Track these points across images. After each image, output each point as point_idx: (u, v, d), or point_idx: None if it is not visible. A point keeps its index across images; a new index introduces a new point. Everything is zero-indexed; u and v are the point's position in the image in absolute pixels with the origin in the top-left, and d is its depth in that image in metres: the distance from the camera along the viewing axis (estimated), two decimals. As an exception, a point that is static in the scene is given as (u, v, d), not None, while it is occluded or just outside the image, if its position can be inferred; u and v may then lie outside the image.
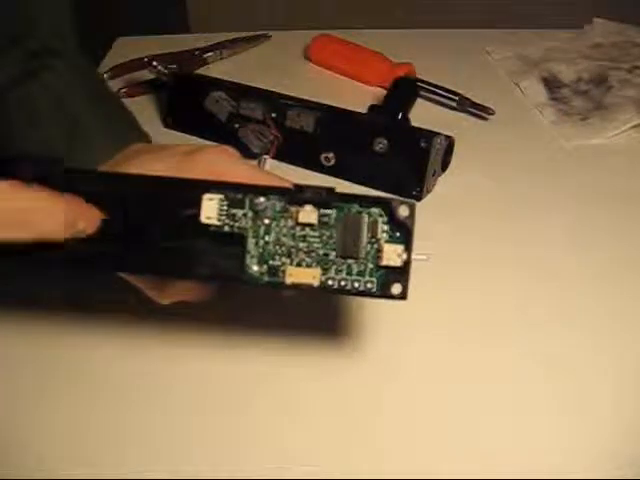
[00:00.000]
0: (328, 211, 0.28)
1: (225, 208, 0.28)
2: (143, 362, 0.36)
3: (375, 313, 0.38)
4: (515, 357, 0.37)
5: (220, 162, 0.31)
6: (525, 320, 0.39)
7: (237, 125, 0.51)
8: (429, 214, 0.44)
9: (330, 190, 0.28)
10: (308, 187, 0.28)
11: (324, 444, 0.33)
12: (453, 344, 0.37)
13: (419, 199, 0.48)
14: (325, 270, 0.28)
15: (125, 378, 0.35)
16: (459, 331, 0.38)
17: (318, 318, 0.38)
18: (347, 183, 0.49)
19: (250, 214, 0.28)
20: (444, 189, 0.49)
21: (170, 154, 0.32)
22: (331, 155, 0.49)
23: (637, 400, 0.35)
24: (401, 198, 0.28)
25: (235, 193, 0.28)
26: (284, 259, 0.28)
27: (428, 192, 0.48)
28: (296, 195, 0.28)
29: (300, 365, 0.36)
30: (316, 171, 0.50)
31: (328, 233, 0.28)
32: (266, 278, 0.28)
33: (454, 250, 0.43)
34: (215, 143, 0.51)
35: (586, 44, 0.69)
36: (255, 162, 0.50)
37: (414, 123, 0.51)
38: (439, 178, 0.49)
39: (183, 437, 0.33)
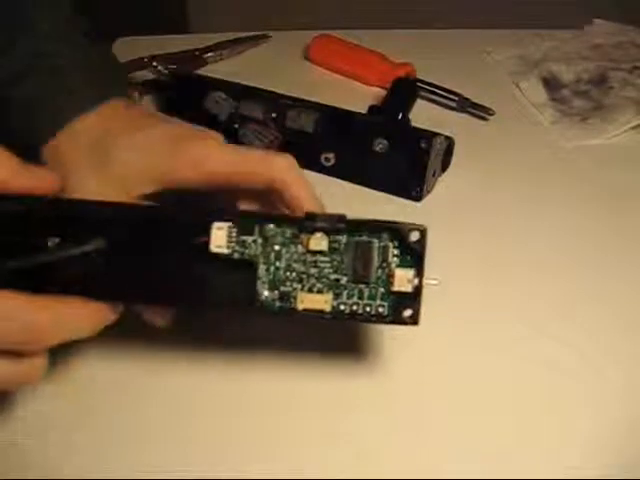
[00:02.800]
0: (338, 237, 0.28)
1: (234, 235, 0.28)
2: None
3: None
4: (518, 359, 0.37)
5: (204, 148, 0.32)
6: (526, 320, 0.39)
7: (237, 125, 0.51)
8: (429, 214, 0.45)
9: (341, 217, 0.28)
10: (319, 215, 0.28)
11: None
12: (455, 344, 0.37)
13: (419, 199, 0.48)
14: (337, 295, 0.28)
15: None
16: (459, 331, 0.38)
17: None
18: (347, 183, 0.49)
19: (260, 241, 0.28)
20: (444, 189, 0.49)
21: (159, 140, 0.33)
22: (331, 155, 0.49)
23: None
24: (412, 224, 0.28)
25: (245, 220, 0.28)
26: (295, 285, 0.28)
27: (428, 192, 0.48)
28: (307, 223, 0.28)
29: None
30: (316, 171, 0.50)
31: (339, 259, 0.28)
32: (278, 304, 0.28)
33: (453, 250, 0.43)
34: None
35: (586, 44, 0.69)
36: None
37: (414, 123, 0.51)
38: (439, 178, 0.49)
39: (183, 443, 0.33)
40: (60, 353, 0.31)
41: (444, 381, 0.36)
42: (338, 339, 0.37)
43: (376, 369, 0.36)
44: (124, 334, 0.37)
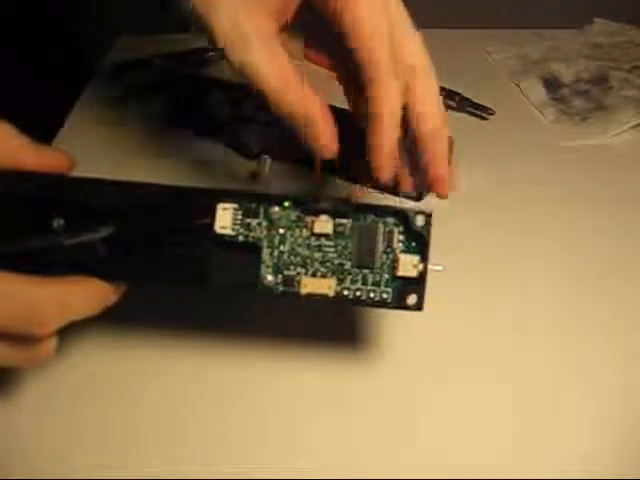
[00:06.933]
0: (343, 221, 0.28)
1: (239, 217, 0.28)
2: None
3: (383, 318, 0.38)
4: (518, 359, 0.37)
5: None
6: (526, 321, 0.39)
7: (237, 125, 0.51)
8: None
9: (346, 200, 0.28)
10: (323, 197, 0.28)
11: (331, 448, 0.33)
12: (456, 345, 0.37)
13: (419, 199, 0.47)
14: (340, 280, 0.28)
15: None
16: (460, 333, 0.38)
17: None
18: (347, 183, 0.49)
19: (265, 223, 0.28)
20: (444, 189, 0.49)
21: None
22: (331, 155, 0.49)
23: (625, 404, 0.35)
24: (417, 208, 0.28)
25: (249, 202, 0.28)
26: (299, 269, 0.28)
27: (428, 192, 0.48)
28: (311, 205, 0.28)
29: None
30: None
31: (343, 243, 0.28)
32: (281, 288, 0.28)
33: (453, 250, 0.43)
34: (214, 142, 0.52)
35: (586, 44, 0.69)
36: (255, 162, 0.50)
37: (414, 123, 0.51)
38: (439, 178, 0.49)
39: (185, 437, 0.33)
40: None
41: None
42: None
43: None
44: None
